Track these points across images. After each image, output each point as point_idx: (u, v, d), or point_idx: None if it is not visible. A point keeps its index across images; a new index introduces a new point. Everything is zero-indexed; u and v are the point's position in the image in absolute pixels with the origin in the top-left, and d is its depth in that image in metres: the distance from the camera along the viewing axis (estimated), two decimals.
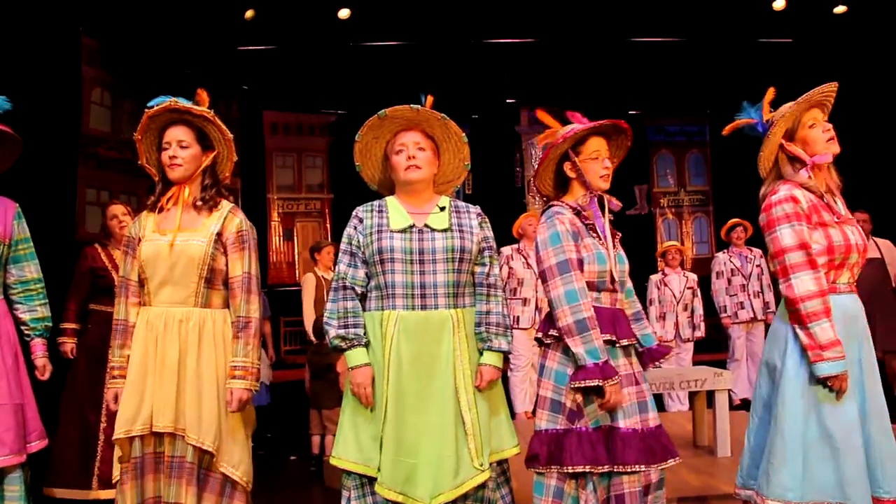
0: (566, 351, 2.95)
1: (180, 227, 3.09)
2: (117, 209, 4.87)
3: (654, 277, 7.80)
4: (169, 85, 9.09)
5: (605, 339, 2.93)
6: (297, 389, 7.58)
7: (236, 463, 3.04)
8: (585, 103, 10.78)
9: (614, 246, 3.09)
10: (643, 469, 2.90)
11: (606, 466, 2.90)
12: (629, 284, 3.21)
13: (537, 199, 10.93)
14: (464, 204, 3.12)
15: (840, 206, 3.01)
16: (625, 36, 9.84)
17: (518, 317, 7.11)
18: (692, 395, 5.79)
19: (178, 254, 3.04)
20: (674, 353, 7.54)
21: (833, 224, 2.92)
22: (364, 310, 2.98)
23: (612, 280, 3.04)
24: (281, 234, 10.67)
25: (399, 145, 3.01)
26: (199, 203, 3.14)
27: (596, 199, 3.11)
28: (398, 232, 2.94)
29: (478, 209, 3.11)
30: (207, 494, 3.00)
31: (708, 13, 9.18)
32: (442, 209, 3.03)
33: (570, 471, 2.90)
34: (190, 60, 9.26)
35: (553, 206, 3.09)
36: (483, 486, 2.90)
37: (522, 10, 9.10)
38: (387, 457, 2.84)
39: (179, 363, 2.99)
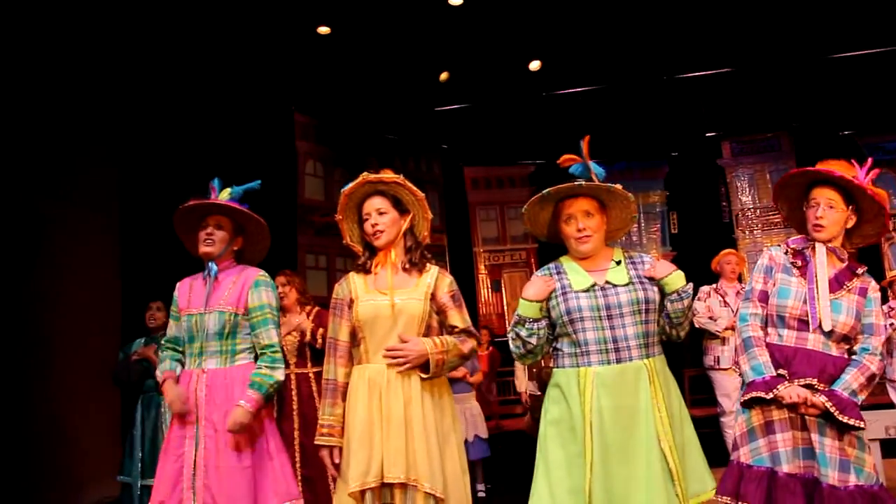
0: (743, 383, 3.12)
1: (394, 287, 3.22)
2: (277, 279, 5.22)
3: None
4: (374, 150, 9.69)
5: (779, 373, 3.00)
6: (512, 440, 7.63)
7: None
8: (792, 128, 10.34)
9: (831, 292, 3.04)
10: None
11: None
12: (870, 342, 3.05)
13: (747, 233, 10.51)
14: (637, 255, 3.15)
15: None
16: (824, 53, 9.24)
17: (718, 357, 6.82)
18: None
19: (398, 312, 3.16)
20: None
21: None
22: (556, 366, 3.06)
23: (804, 320, 3.03)
24: (489, 285, 10.88)
25: (566, 214, 3.07)
26: (408, 266, 3.27)
27: (813, 245, 3.13)
28: (582, 292, 3.00)
29: (651, 258, 3.12)
30: None
31: None
32: (618, 263, 3.08)
33: (718, 498, 3.00)
34: (391, 125, 9.77)
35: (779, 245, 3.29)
36: None
37: (713, 41, 8.86)
38: None
39: (406, 416, 3.09)
